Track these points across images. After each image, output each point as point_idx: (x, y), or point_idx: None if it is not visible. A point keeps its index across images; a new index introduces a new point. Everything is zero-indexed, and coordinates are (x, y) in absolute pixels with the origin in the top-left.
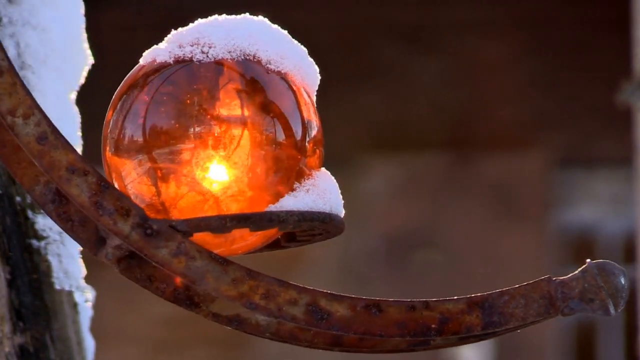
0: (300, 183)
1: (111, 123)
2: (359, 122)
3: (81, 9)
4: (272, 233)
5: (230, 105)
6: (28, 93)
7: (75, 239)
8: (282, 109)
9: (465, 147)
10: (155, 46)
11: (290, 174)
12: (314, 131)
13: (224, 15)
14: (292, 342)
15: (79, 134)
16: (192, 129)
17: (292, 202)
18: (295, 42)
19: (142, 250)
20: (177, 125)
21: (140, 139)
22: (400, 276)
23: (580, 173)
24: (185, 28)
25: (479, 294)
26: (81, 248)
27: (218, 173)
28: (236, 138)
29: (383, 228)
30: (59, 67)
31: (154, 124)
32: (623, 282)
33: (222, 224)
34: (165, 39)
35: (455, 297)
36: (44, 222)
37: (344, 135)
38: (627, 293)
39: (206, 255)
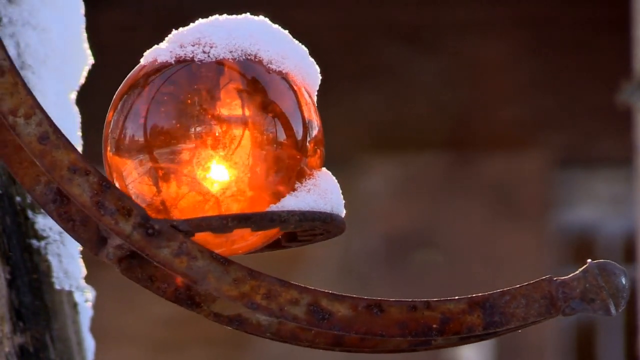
0: (302, 183)
1: (112, 123)
2: (359, 122)
3: (81, 9)
4: (273, 233)
5: (231, 105)
6: (29, 93)
7: (76, 239)
8: (283, 109)
9: (465, 147)
10: (156, 46)
11: (291, 173)
12: (314, 131)
13: (224, 15)
14: (293, 342)
15: (79, 134)
16: (193, 129)
17: (293, 202)
18: (296, 42)
19: (143, 250)
20: (178, 125)
21: (141, 139)
22: (400, 276)
23: (580, 173)
24: (186, 28)
25: (480, 294)
26: (81, 248)
27: (219, 173)
28: (237, 138)
29: (383, 228)
30: (59, 67)
31: (154, 123)
32: (624, 282)
33: (224, 223)
34: (166, 38)
35: (457, 297)
36: (44, 222)
37: (344, 135)
38: (628, 293)
39: (208, 255)
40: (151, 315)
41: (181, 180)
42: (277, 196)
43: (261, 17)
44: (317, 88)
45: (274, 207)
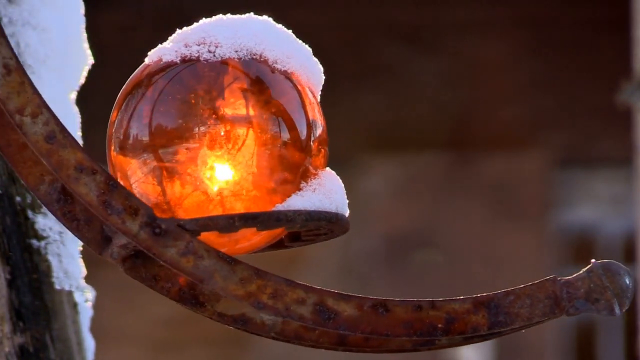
0: (307, 182)
1: (116, 122)
2: (359, 122)
3: (81, 9)
4: (277, 233)
5: (235, 104)
6: (36, 92)
7: (80, 238)
8: (287, 109)
9: (465, 147)
10: (160, 45)
11: (295, 173)
12: (318, 130)
13: (228, 15)
14: (297, 342)
15: (79, 134)
16: (197, 128)
17: (299, 201)
18: (300, 41)
19: (150, 250)
20: (182, 124)
21: (146, 138)
22: (400, 276)
23: (580, 173)
24: (190, 27)
25: (484, 294)
26: (81, 248)
27: (223, 172)
28: (241, 137)
29: (383, 228)
30: (59, 67)
31: (159, 123)
32: (628, 282)
33: (230, 223)
34: (170, 38)
35: (462, 297)
36: (44, 222)
37: (344, 135)
38: (632, 293)
39: (214, 254)
40: (151, 315)
41: (185, 179)
42: (282, 196)
43: (265, 17)
44: (321, 88)
45: (280, 207)
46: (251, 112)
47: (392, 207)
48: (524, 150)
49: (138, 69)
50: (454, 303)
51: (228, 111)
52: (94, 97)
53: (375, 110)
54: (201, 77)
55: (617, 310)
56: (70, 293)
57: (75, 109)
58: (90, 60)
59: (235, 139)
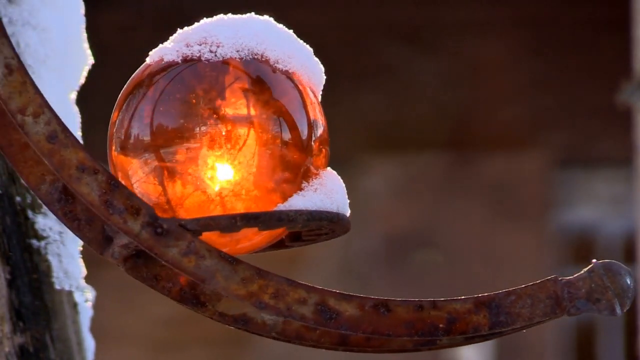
0: (308, 182)
1: (117, 122)
2: (359, 122)
3: (81, 9)
4: (278, 233)
5: (237, 104)
6: (38, 92)
7: (82, 238)
8: (288, 108)
9: (465, 147)
10: (161, 45)
11: (296, 173)
12: (319, 130)
13: (229, 15)
14: (298, 342)
15: (79, 133)
16: (198, 128)
17: (300, 201)
18: (301, 41)
19: (152, 249)
20: (183, 124)
21: (147, 138)
22: (400, 276)
23: (580, 173)
24: (191, 27)
25: (485, 294)
26: (81, 248)
27: (224, 172)
28: (242, 137)
29: (383, 228)
30: (59, 67)
31: (160, 122)
32: (629, 282)
33: (232, 223)
34: (171, 38)
35: (463, 297)
36: (44, 222)
37: (344, 135)
38: (633, 293)
39: (216, 254)
40: (151, 315)
41: (186, 179)
42: (283, 195)
43: (266, 17)
44: (322, 87)
45: (281, 207)
46: (252, 112)
47: (392, 207)
48: (524, 150)
49: (139, 68)
50: (455, 303)
51: (229, 111)
52: (94, 97)
53: (375, 110)
54: (202, 77)
55: (618, 310)
56: (70, 293)
57: (75, 109)
58: (90, 60)
59: (237, 139)
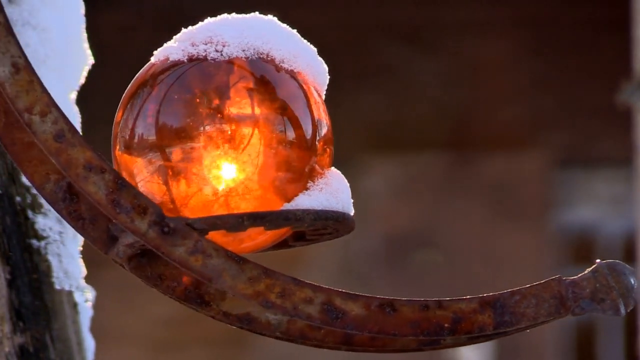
0: (314, 182)
1: (122, 122)
2: (359, 122)
3: (81, 9)
4: (282, 232)
5: (241, 104)
6: (45, 90)
7: (86, 237)
8: (293, 108)
9: (465, 147)
10: (166, 44)
11: (301, 172)
12: (324, 130)
13: (233, 14)
14: (302, 341)
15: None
16: (202, 128)
17: (307, 201)
18: (306, 41)
19: (159, 248)
20: (188, 123)
21: (152, 137)
22: (400, 276)
23: (580, 173)
24: (195, 27)
25: (490, 294)
26: (81, 248)
27: (228, 172)
28: (247, 137)
29: (383, 228)
30: (59, 67)
31: (165, 122)
32: (633, 282)
33: (239, 222)
34: (175, 37)
35: (468, 297)
36: (44, 222)
37: (344, 135)
38: (637, 293)
39: (223, 253)
40: (151, 315)
41: (191, 178)
42: (287, 195)
43: (270, 16)
44: (326, 87)
45: (288, 206)
46: (257, 112)
47: (392, 207)
48: (524, 150)
49: (143, 68)
50: (460, 303)
51: (234, 110)
52: (94, 97)
53: (375, 110)
54: (207, 76)
55: (622, 310)
56: (70, 293)
57: (75, 109)
58: (90, 60)
59: (241, 138)
